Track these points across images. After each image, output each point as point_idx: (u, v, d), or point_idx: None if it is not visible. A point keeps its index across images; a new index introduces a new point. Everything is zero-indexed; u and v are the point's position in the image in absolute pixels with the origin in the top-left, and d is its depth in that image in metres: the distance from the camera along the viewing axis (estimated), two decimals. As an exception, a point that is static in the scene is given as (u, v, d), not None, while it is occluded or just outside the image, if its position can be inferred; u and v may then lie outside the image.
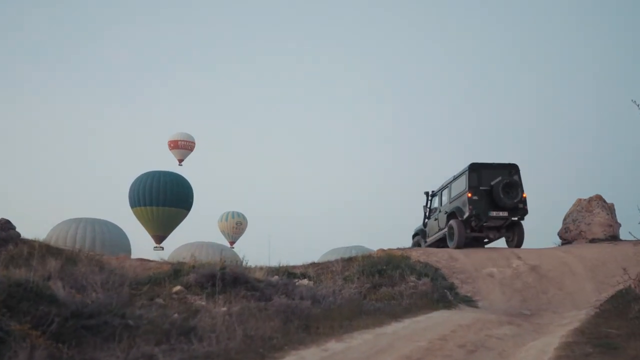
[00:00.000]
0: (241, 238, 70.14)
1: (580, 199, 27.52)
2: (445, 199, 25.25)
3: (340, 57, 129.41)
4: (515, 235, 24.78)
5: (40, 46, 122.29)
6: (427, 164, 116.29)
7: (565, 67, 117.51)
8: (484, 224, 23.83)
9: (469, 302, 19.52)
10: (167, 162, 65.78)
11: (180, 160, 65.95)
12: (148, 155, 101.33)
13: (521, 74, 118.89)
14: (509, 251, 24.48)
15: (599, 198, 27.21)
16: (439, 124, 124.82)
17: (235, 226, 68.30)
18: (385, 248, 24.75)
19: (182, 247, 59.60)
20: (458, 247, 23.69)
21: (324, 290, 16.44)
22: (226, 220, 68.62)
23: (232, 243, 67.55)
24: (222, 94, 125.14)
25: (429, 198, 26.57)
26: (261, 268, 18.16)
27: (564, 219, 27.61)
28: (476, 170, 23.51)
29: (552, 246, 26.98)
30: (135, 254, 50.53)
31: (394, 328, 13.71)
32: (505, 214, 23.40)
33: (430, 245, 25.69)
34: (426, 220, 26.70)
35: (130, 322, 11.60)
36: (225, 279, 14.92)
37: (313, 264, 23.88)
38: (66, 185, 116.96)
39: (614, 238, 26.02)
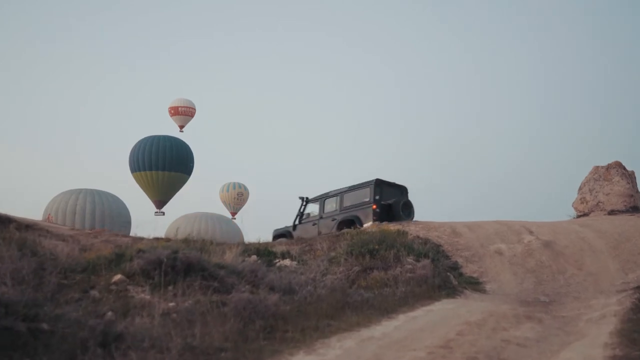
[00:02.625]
0: (242, 209, 66.99)
1: (597, 167, 24.17)
2: (331, 207, 25.93)
3: (343, 29, 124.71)
4: None
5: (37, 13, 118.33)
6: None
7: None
8: None
9: (475, 285, 16.44)
10: (168, 130, 62.56)
11: (181, 127, 62.97)
12: (148, 123, 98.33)
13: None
14: (519, 224, 21.20)
15: (618, 165, 23.79)
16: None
17: (237, 197, 65.35)
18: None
19: (181, 218, 56.75)
20: None
21: (302, 276, 13.03)
22: (227, 190, 65.66)
23: (233, 214, 64.77)
24: (223, 62, 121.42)
25: (304, 203, 27.02)
26: (230, 248, 14.68)
27: (580, 189, 24.26)
28: (379, 186, 24.82)
29: (567, 219, 23.60)
30: (135, 223, 48.61)
31: (384, 329, 10.50)
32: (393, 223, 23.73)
33: None
34: (297, 223, 26.87)
35: (45, 325, 8.72)
36: (177, 266, 11.42)
37: (300, 239, 20.60)
38: (65, 153, 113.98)
39: (635, 209, 22.51)
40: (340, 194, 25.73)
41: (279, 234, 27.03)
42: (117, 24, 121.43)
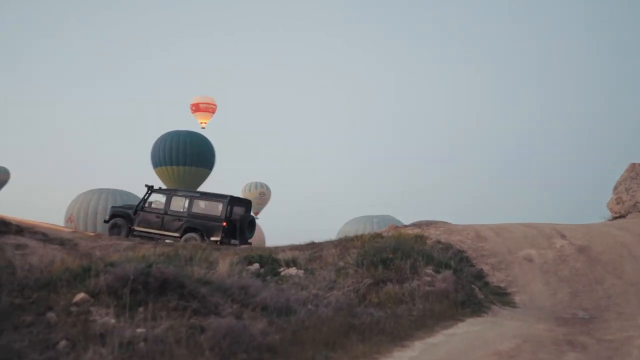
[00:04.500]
0: (265, 208, 65.55)
1: (634, 164, 22.11)
2: (178, 205, 25.61)
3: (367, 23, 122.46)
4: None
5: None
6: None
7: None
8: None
9: (503, 296, 14.35)
10: (190, 127, 61.15)
11: (203, 123, 61.32)
12: (170, 120, 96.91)
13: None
14: (549, 227, 18.90)
15: (657, 162, 21.43)
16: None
17: (259, 196, 63.89)
18: (408, 223, 19.42)
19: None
20: None
21: (304, 292, 10.83)
22: (249, 190, 64.49)
23: (256, 213, 63.02)
24: (246, 60, 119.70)
25: (149, 192, 26.37)
26: (225, 257, 12.48)
27: (615, 188, 22.17)
28: (231, 203, 25.11)
29: (601, 221, 21.21)
30: None
31: (395, 362, 8.12)
32: (237, 242, 24.91)
33: (138, 234, 25.45)
34: (139, 210, 26.03)
35: (-23, 361, 6.67)
36: (149, 282, 9.24)
37: (311, 244, 18.42)
38: (87, 152, 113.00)
39: (677, 211, 20.16)
40: (190, 197, 25.82)
41: (117, 214, 26.54)
42: (139, 21, 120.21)
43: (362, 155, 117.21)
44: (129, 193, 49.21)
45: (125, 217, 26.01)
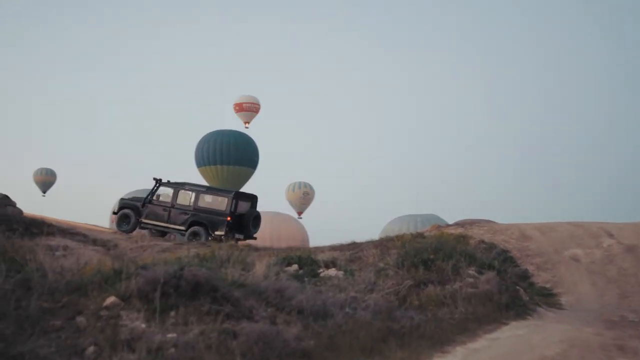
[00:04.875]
0: (308, 208, 65.08)
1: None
2: (184, 199, 25.73)
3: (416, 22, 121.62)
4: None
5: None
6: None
7: None
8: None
9: (549, 297, 13.76)
10: (234, 127, 61.11)
11: (246, 123, 61.17)
12: (213, 120, 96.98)
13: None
14: (596, 226, 18.23)
15: None
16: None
17: (302, 196, 63.59)
18: (451, 222, 18.93)
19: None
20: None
21: (342, 294, 10.41)
22: (293, 190, 64.03)
23: (300, 213, 63.13)
24: (291, 59, 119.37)
25: (157, 185, 26.41)
26: (262, 258, 12.10)
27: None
28: (236, 198, 25.13)
29: (651, 218, 20.45)
30: None
31: (434, 373, 7.70)
32: (242, 236, 25.20)
33: (146, 226, 25.94)
34: (147, 202, 26.15)
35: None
36: (181, 286, 8.88)
37: (352, 245, 18.00)
38: (131, 153, 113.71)
39: None
40: (197, 191, 25.80)
41: (126, 206, 26.55)
42: (183, 21, 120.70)
43: (407, 153, 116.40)
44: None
45: (134, 209, 26.09)
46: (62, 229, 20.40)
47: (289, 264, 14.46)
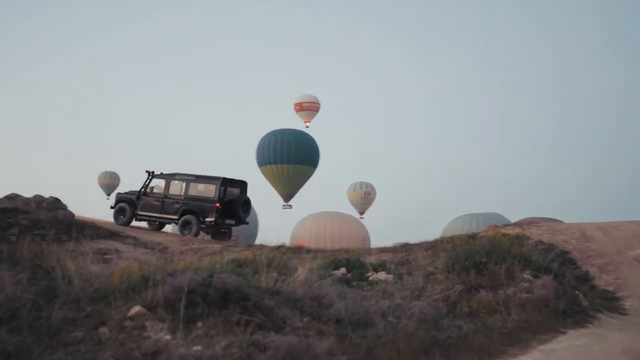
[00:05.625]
0: (370, 208, 64.31)
1: None
2: (176, 189, 26.27)
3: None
4: (227, 233, 27.01)
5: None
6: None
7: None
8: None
9: (611, 301, 12.66)
10: (294, 126, 60.90)
11: (307, 122, 60.91)
12: (274, 120, 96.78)
13: None
14: (661, 224, 17.01)
15: None
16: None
17: (364, 196, 63.02)
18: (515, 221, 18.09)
19: (306, 218, 54.45)
20: (195, 235, 25.00)
21: (386, 301, 9.62)
22: (354, 190, 63.48)
23: (361, 213, 62.54)
24: (350, 59, 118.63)
25: (150, 177, 26.88)
26: (305, 262, 11.34)
27: None
28: (224, 185, 25.60)
29: None
30: (262, 220, 48.34)
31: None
32: (234, 222, 26.10)
33: (140, 218, 26.69)
34: (141, 195, 26.73)
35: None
36: (209, 294, 8.17)
37: (405, 246, 17.18)
38: (192, 153, 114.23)
39: None
40: (186, 180, 26.18)
41: (123, 199, 27.00)
42: (243, 21, 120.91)
43: (471, 151, 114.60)
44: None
45: (129, 202, 26.60)
46: (113, 232, 20.04)
47: (337, 268, 13.72)
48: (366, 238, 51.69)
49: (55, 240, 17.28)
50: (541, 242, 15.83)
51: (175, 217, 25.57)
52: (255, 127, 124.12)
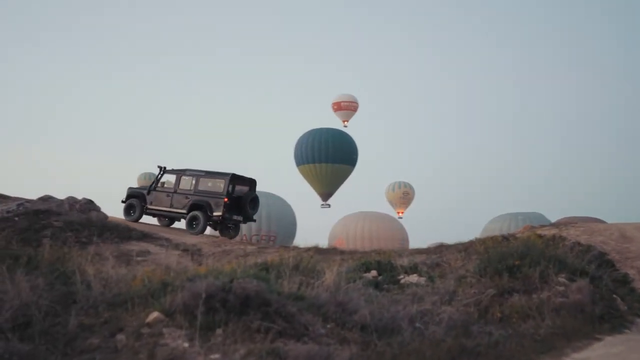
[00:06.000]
0: (409, 208, 63.78)
1: None
2: (186, 184, 26.51)
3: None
4: (236, 230, 27.61)
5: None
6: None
7: None
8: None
9: (651, 307, 11.90)
10: (332, 125, 60.62)
11: (345, 122, 60.61)
12: (312, 119, 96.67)
13: None
14: None
15: None
16: None
17: (403, 196, 62.43)
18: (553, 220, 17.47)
19: (344, 219, 54.11)
20: (199, 233, 25.30)
21: (414, 306, 9.21)
22: (393, 190, 63.05)
23: (400, 213, 61.79)
24: (388, 58, 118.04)
25: (161, 172, 27.17)
26: (332, 266, 10.96)
27: None
28: (233, 181, 25.87)
29: None
30: (301, 221, 48.87)
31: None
32: (241, 218, 26.46)
33: (150, 212, 26.87)
34: (152, 189, 27.02)
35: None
36: (229, 301, 7.83)
37: (440, 247, 16.76)
38: (230, 154, 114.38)
39: None
40: (197, 175, 26.45)
41: (133, 194, 27.22)
42: (282, 21, 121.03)
43: (513, 150, 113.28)
44: (275, 195, 49.19)
45: (140, 197, 26.89)
46: (146, 234, 19.87)
47: (367, 270, 13.34)
48: (404, 238, 51.27)
49: (87, 242, 17.22)
50: (578, 243, 15.28)
51: (183, 211, 25.79)
52: (293, 127, 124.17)
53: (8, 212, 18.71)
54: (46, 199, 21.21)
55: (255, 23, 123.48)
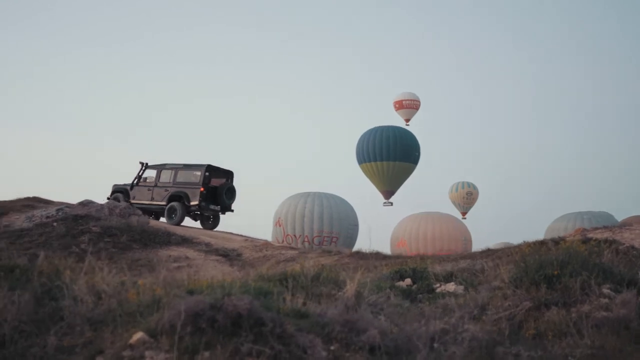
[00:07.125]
0: (472, 208, 62.45)
1: None
2: (166, 177, 27.57)
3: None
4: (214, 221, 28.26)
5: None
6: None
7: None
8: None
9: None
10: (394, 124, 59.58)
11: (407, 120, 59.82)
12: (373, 118, 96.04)
13: None
14: None
15: None
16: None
17: (466, 196, 61.30)
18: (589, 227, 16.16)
19: (408, 218, 53.03)
20: (177, 224, 25.88)
21: (436, 322, 8.13)
22: (456, 190, 62.02)
23: (463, 214, 60.74)
24: (453, 56, 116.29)
25: (143, 168, 28.25)
26: (355, 275, 9.86)
27: None
28: (209, 171, 26.95)
29: None
30: (362, 221, 46.70)
31: None
32: (218, 208, 27.44)
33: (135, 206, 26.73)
34: (134, 184, 28.11)
35: None
36: (218, 320, 6.87)
37: (486, 252, 15.60)
38: (291, 155, 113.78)
39: None
40: (175, 168, 27.62)
41: (118, 190, 28.32)
42: (346, 21, 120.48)
43: (580, 148, 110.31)
44: (336, 196, 47.90)
45: (124, 192, 28.11)
46: (185, 238, 19.18)
47: (402, 278, 12.27)
48: (468, 239, 50.00)
49: (125, 248, 16.64)
50: (632, 247, 13.84)
51: (163, 203, 26.88)
52: (354, 126, 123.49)
53: (47, 217, 18.30)
54: (86, 203, 20.83)
55: (315, 24, 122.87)
